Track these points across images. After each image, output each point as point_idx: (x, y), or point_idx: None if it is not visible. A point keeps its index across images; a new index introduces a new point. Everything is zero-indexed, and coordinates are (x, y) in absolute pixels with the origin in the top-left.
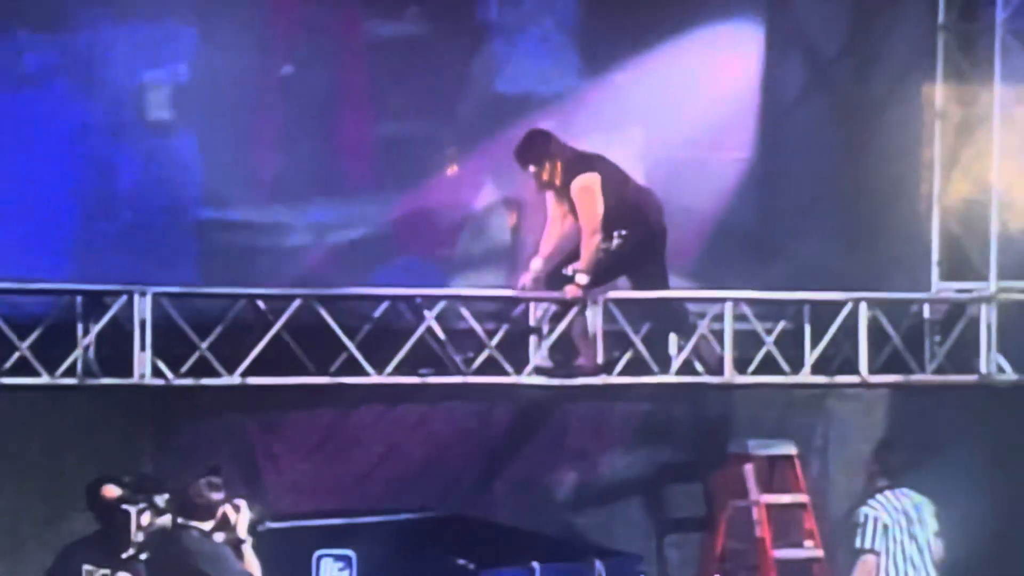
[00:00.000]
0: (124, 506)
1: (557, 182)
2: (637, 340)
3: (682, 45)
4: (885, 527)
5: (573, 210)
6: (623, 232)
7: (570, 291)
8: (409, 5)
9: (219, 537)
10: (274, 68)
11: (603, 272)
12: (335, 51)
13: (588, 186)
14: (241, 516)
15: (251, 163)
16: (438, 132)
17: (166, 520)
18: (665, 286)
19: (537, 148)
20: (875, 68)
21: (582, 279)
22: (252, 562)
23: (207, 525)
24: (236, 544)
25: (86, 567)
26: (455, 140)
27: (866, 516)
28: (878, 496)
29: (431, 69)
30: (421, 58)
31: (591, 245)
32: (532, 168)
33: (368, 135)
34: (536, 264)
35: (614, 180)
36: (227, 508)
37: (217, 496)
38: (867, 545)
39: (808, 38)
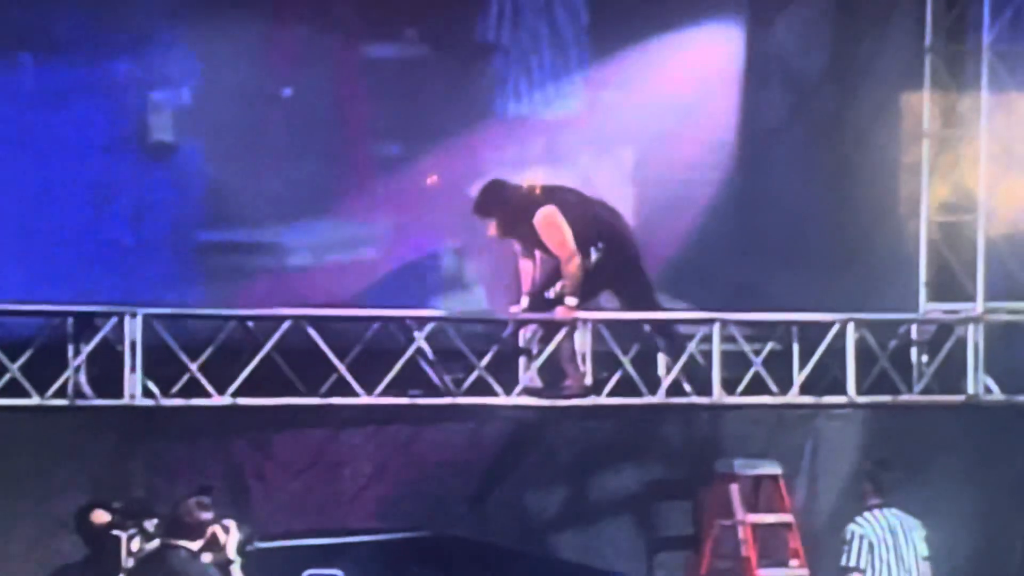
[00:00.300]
0: (114, 531)
1: (517, 227)
2: (626, 361)
3: (664, 68)
4: (871, 545)
5: (541, 245)
6: (600, 245)
7: (561, 313)
8: (407, 27)
9: (207, 557)
10: (275, 90)
11: (588, 287)
12: (334, 73)
13: (548, 216)
14: (230, 537)
15: (252, 184)
16: (435, 153)
17: (155, 545)
18: (653, 300)
19: (493, 200)
20: (860, 90)
21: (571, 301)
22: None
23: (195, 545)
24: (224, 565)
25: None
26: (451, 160)
27: (853, 533)
28: (866, 514)
29: (429, 90)
30: (419, 79)
31: (572, 268)
32: (492, 220)
33: (367, 156)
34: (524, 302)
35: (576, 204)
36: (216, 528)
37: (206, 516)
38: (852, 563)
39: (789, 63)
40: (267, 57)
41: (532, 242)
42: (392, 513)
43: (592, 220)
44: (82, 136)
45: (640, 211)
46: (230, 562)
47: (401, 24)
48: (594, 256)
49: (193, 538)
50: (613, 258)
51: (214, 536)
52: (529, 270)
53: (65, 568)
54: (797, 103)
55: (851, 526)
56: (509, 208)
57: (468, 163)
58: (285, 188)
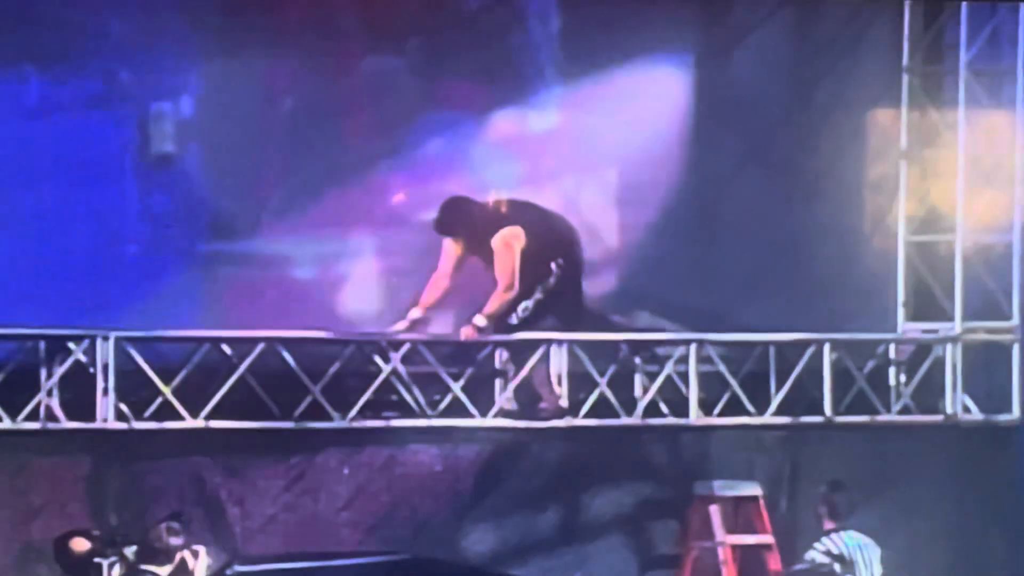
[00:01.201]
0: (96, 559)
1: (479, 245)
2: (602, 382)
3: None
4: (832, 572)
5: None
6: (560, 261)
7: (465, 333)
8: (410, 38)
9: None
10: (277, 101)
11: (549, 304)
12: (337, 84)
13: (508, 242)
14: (199, 563)
15: (255, 195)
16: (438, 161)
17: (124, 571)
18: (580, 313)
19: (457, 217)
20: (833, 112)
21: (480, 320)
22: None
23: (164, 570)
24: None
25: None
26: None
27: (812, 560)
28: (824, 539)
29: (432, 100)
30: (423, 90)
31: (502, 298)
32: (453, 238)
33: (370, 166)
34: (415, 313)
35: (538, 220)
36: (186, 554)
37: (176, 541)
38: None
39: (757, 88)
40: (269, 67)
41: (474, 255)
42: (370, 536)
43: (553, 236)
44: (83, 148)
45: (623, 233)
46: None
47: (405, 35)
48: (555, 271)
49: (162, 563)
50: (569, 274)
51: (183, 562)
52: (441, 288)
53: None
54: (766, 127)
55: (810, 552)
56: (473, 226)
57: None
58: (289, 199)
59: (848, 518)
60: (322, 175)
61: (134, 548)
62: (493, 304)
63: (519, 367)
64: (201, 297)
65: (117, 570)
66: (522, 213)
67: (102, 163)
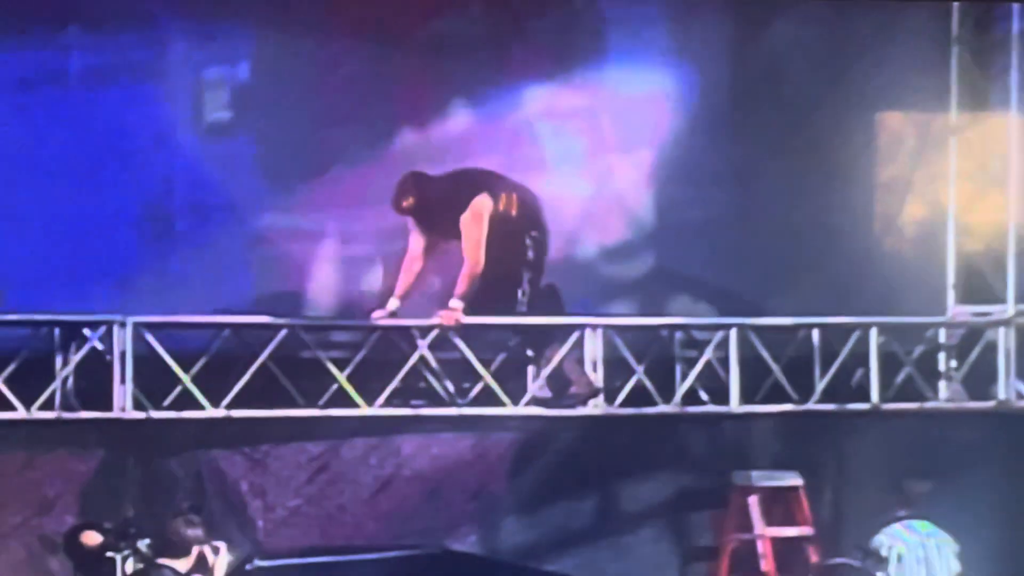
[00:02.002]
0: (109, 553)
1: (440, 220)
2: (639, 370)
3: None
4: (900, 557)
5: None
6: (534, 233)
7: (445, 317)
8: (472, 3)
9: None
10: (335, 68)
11: (533, 278)
12: (396, 50)
13: (478, 213)
14: (219, 560)
15: (312, 167)
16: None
17: (141, 566)
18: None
19: (412, 193)
20: (879, 86)
21: (456, 303)
22: None
23: (181, 564)
24: None
25: None
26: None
27: (880, 544)
28: (894, 526)
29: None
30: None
31: (475, 272)
32: (410, 208)
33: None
34: (393, 304)
35: (504, 190)
36: (206, 549)
37: (193, 533)
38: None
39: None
40: (326, 33)
41: (438, 236)
42: (397, 529)
43: (522, 207)
44: (131, 117)
45: (660, 214)
46: None
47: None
48: (530, 245)
49: (179, 556)
50: (541, 248)
51: (202, 557)
52: (414, 272)
53: None
54: (808, 104)
55: (879, 537)
56: (433, 201)
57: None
58: (346, 172)
59: (923, 506)
60: (379, 147)
61: (147, 541)
62: (463, 284)
63: (552, 353)
64: (253, 275)
65: (131, 564)
66: (485, 182)
67: (148, 135)
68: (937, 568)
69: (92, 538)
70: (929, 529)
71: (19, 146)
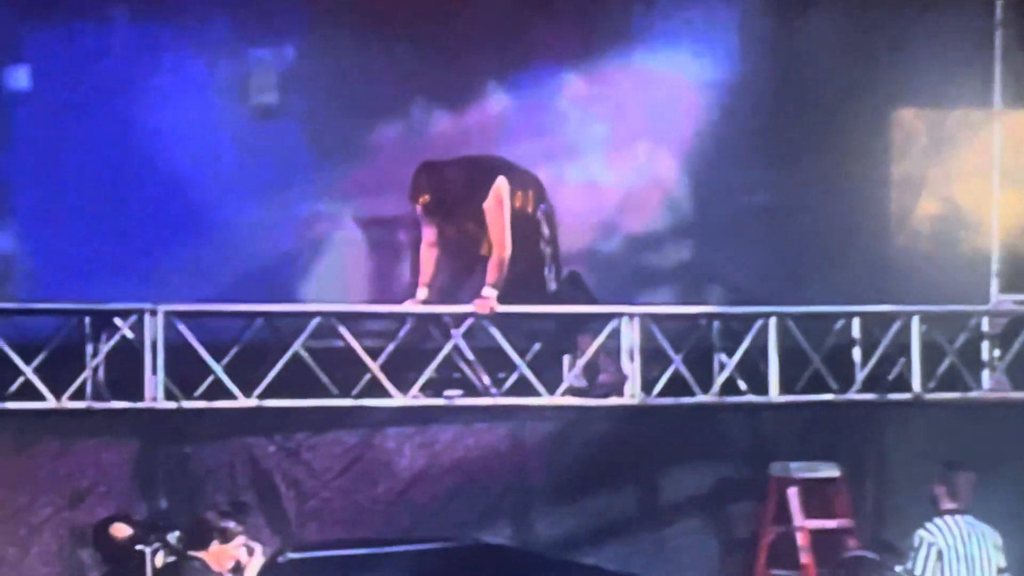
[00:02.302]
0: (139, 546)
1: (457, 208)
2: (677, 359)
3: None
4: (940, 554)
5: (470, 229)
6: (543, 207)
7: (479, 306)
8: None
9: None
10: (387, 49)
11: (554, 252)
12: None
13: (499, 197)
14: (252, 561)
15: (363, 151)
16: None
17: (172, 559)
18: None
19: (427, 188)
20: (921, 70)
21: (490, 292)
22: None
23: (211, 556)
24: None
25: None
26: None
27: (921, 540)
28: (937, 520)
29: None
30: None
31: (500, 262)
32: (427, 205)
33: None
34: (422, 293)
35: (515, 172)
36: (240, 550)
37: (226, 523)
38: (918, 572)
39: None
40: (377, 12)
41: (464, 224)
42: (431, 521)
43: (530, 184)
44: (178, 96)
45: (698, 203)
46: None
47: None
48: (542, 219)
49: (206, 546)
50: (552, 220)
51: (236, 560)
52: (433, 259)
53: None
54: (847, 91)
55: (920, 532)
56: (448, 189)
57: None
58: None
59: (969, 500)
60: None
61: (177, 534)
62: (494, 271)
63: (587, 343)
64: (303, 264)
65: (160, 557)
66: (498, 167)
67: (194, 116)
68: (978, 564)
69: (122, 531)
70: (971, 523)
71: (56, 129)
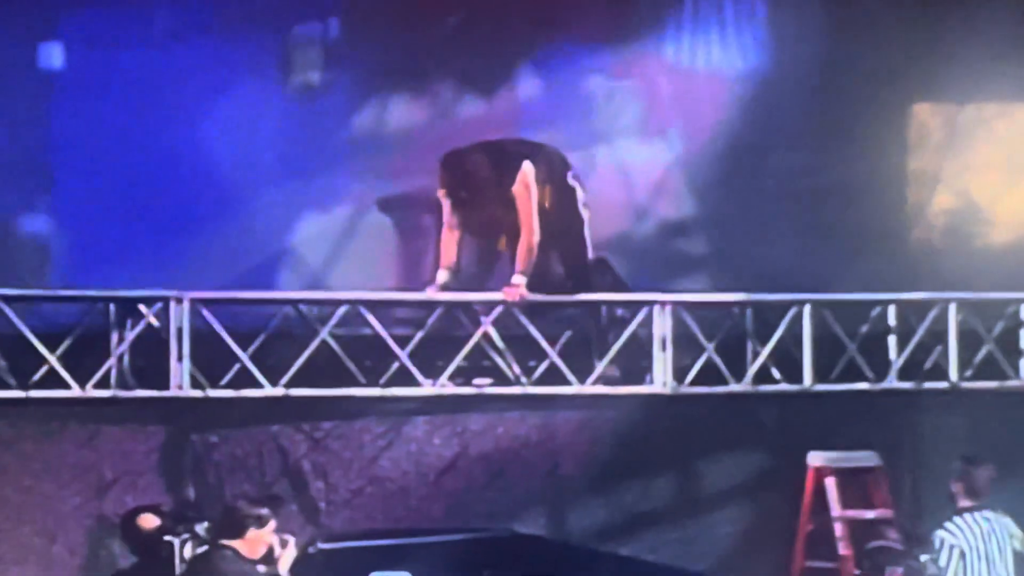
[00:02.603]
0: (167, 537)
1: (484, 194)
2: (710, 347)
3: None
4: (962, 554)
5: (498, 215)
6: (572, 171)
7: (509, 293)
8: None
9: (261, 568)
10: (430, 25)
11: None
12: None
13: (526, 182)
14: (286, 552)
15: (409, 128)
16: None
17: (204, 548)
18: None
19: (455, 174)
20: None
21: (519, 279)
22: None
23: (242, 546)
24: None
25: None
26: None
27: (942, 542)
28: (956, 520)
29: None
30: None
31: (529, 248)
32: (455, 195)
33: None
34: (442, 276)
35: (538, 150)
36: (274, 540)
37: (256, 511)
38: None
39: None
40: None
41: (491, 211)
42: (462, 511)
43: (555, 156)
44: (218, 75)
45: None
46: None
47: None
48: (574, 184)
49: (237, 536)
50: (582, 186)
51: (270, 549)
52: (455, 242)
53: (117, 574)
54: (883, 78)
55: (941, 533)
56: (478, 176)
57: None
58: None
59: (987, 495)
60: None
61: (206, 524)
62: (523, 258)
63: (620, 329)
64: (347, 247)
65: (189, 547)
66: (521, 150)
67: (237, 94)
68: (999, 561)
69: (149, 521)
70: (989, 519)
71: (92, 109)
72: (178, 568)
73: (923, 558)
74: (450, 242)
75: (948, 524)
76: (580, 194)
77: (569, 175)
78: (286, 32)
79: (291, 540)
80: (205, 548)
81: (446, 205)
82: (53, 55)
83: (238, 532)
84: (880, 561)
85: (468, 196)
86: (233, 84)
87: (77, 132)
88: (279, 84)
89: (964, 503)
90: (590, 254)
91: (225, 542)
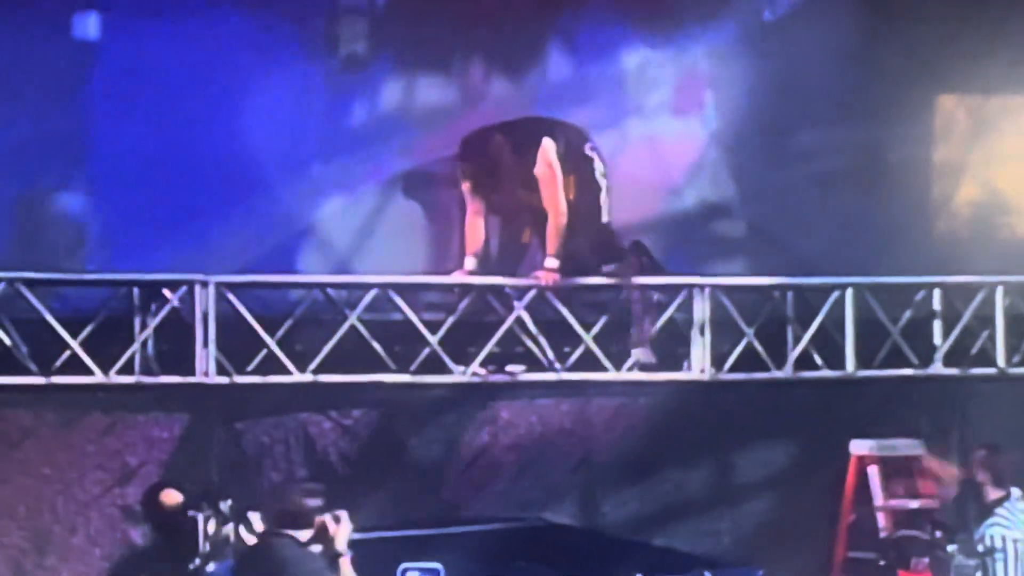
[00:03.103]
0: (190, 512)
1: (504, 176)
2: (750, 332)
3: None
4: (1015, 541)
5: (522, 196)
6: (591, 143)
7: (544, 277)
8: None
9: (316, 549)
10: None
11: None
12: None
13: (548, 161)
14: (341, 528)
15: (437, 107)
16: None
17: (230, 528)
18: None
19: (475, 160)
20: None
21: (552, 263)
22: None
23: (303, 535)
24: (333, 558)
25: None
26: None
27: (1003, 539)
28: (1000, 512)
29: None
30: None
31: (558, 229)
32: (476, 180)
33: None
34: (470, 263)
35: (558, 126)
36: (326, 519)
37: (314, 503)
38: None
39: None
40: None
41: (515, 192)
42: (494, 500)
43: (573, 130)
44: (250, 56)
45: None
46: (339, 555)
47: None
48: (593, 156)
49: (300, 527)
50: (601, 158)
51: (323, 527)
52: (480, 228)
53: (132, 555)
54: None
55: (996, 530)
56: (498, 159)
57: None
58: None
59: (1013, 483)
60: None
61: (229, 502)
62: (554, 240)
63: (657, 315)
64: (375, 229)
65: (214, 524)
66: (540, 128)
67: (279, 67)
68: None
69: (172, 497)
70: (1016, 506)
71: (128, 84)
72: (202, 544)
73: (950, 548)
74: (475, 228)
75: (997, 519)
76: (598, 164)
77: (587, 146)
78: (317, 14)
79: (344, 515)
80: (262, 535)
81: (467, 189)
82: (89, 26)
83: (302, 524)
84: (907, 551)
85: (489, 181)
86: (268, 64)
87: (113, 106)
88: (309, 65)
89: (993, 495)
90: (605, 218)
91: (286, 531)
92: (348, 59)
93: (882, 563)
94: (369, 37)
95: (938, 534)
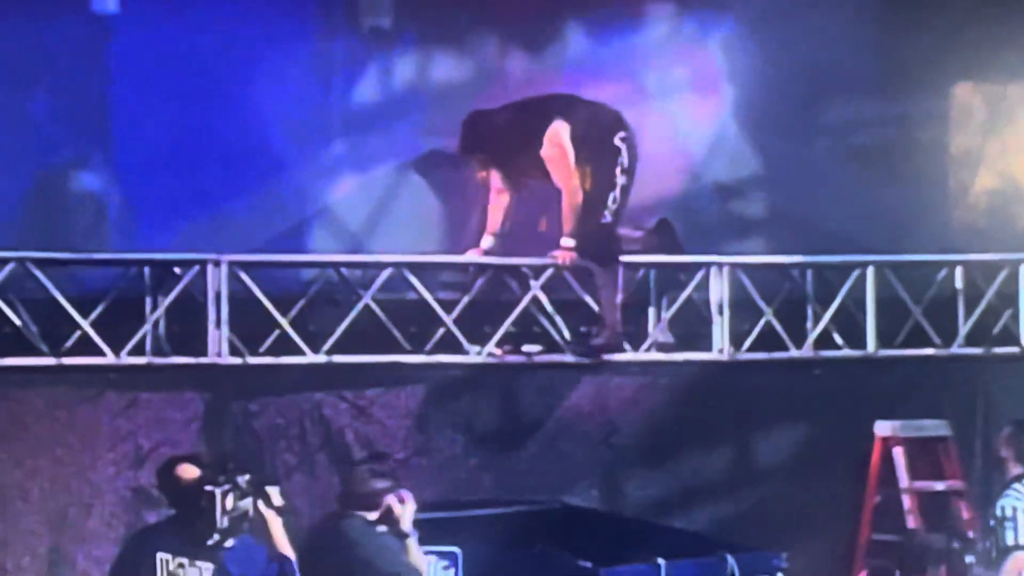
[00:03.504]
0: (208, 487)
1: (513, 156)
2: (768, 311)
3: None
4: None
5: (536, 177)
6: (622, 134)
7: (561, 256)
8: None
9: (382, 529)
10: None
11: (628, 183)
12: None
13: (556, 141)
14: (406, 508)
15: (453, 84)
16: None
17: (248, 503)
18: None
19: (479, 137)
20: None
21: (569, 242)
22: (418, 557)
23: (371, 515)
24: (400, 538)
25: (161, 555)
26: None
27: (1014, 509)
28: (1015, 486)
29: None
30: None
31: (573, 209)
32: (480, 160)
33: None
34: (487, 242)
35: (580, 107)
36: (391, 499)
37: (380, 484)
38: (1021, 540)
39: None
40: None
41: (528, 173)
42: (513, 483)
43: (603, 115)
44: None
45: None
46: (406, 535)
47: None
48: (622, 148)
49: (368, 508)
50: (633, 149)
51: (389, 508)
52: (503, 206)
53: (147, 529)
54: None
55: (1005, 501)
56: (505, 139)
57: None
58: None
59: None
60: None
61: (247, 476)
62: (569, 219)
63: (674, 295)
64: (388, 208)
65: (231, 499)
66: (554, 107)
67: (298, 42)
68: None
69: (189, 471)
70: None
71: (149, 60)
72: (219, 520)
73: (968, 559)
74: (497, 205)
75: (1008, 492)
76: (624, 159)
77: (618, 136)
78: None
79: (407, 495)
80: (332, 515)
81: (481, 177)
82: (107, 2)
83: (369, 505)
84: (923, 561)
85: (494, 161)
86: (286, 42)
87: (131, 83)
88: (328, 42)
89: (1015, 469)
90: (605, 219)
91: (356, 512)
92: (371, 32)
93: (897, 573)
94: (393, 11)
95: (956, 544)
